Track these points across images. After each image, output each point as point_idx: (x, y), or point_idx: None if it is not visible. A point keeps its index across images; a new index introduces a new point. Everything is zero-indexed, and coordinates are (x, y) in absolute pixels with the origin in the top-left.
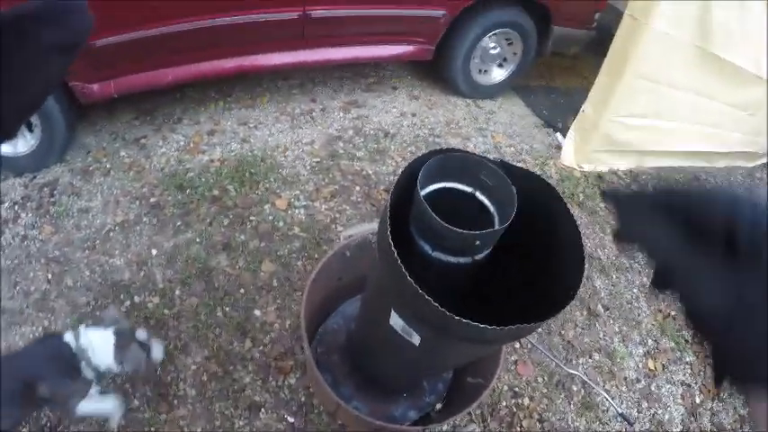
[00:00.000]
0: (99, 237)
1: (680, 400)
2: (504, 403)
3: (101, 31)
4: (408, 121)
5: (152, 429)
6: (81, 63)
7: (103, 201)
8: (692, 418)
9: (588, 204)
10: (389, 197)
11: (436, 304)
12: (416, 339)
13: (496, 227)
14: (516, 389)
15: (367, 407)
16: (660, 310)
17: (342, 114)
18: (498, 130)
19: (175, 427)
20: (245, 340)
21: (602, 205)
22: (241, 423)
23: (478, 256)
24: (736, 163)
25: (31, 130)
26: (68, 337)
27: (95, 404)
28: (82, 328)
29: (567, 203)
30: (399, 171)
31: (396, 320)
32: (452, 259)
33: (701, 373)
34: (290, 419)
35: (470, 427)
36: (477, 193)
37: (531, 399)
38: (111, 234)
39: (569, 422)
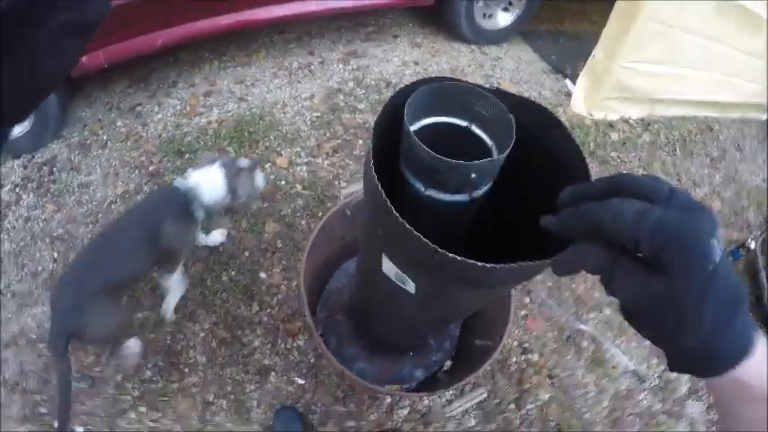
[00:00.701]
0: (101, 210)
1: None
2: (514, 359)
3: None
4: (411, 69)
5: (165, 398)
6: None
7: (103, 173)
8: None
9: (599, 153)
10: (373, 130)
11: (426, 240)
12: (411, 286)
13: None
14: (526, 344)
15: (373, 367)
16: None
17: (341, 66)
18: (505, 76)
19: (188, 394)
20: (251, 304)
21: (613, 154)
22: (252, 387)
23: (476, 193)
24: (750, 114)
25: None
26: (178, 182)
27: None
28: (189, 170)
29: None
30: None
31: (388, 267)
32: (448, 197)
33: None
34: (300, 381)
35: (478, 391)
36: (473, 127)
37: (541, 354)
38: (113, 206)
39: (579, 378)
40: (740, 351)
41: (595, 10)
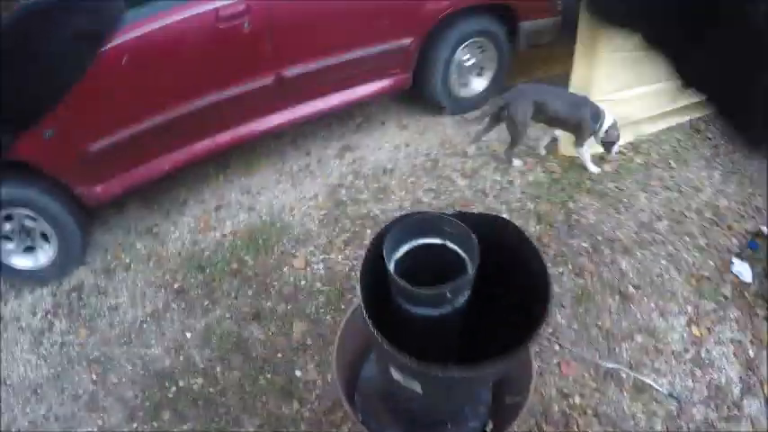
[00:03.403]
0: (133, 330)
1: (734, 359)
2: (556, 407)
3: (92, 136)
4: (403, 152)
5: None
6: (80, 169)
7: (130, 295)
8: (750, 373)
9: (597, 189)
10: (359, 276)
11: (404, 354)
12: (418, 387)
13: (469, 273)
14: (565, 390)
15: None
16: (692, 275)
17: (338, 161)
18: (492, 137)
19: None
20: (292, 402)
21: (610, 185)
22: None
23: (457, 304)
24: None
25: (48, 241)
26: None
27: None
28: None
29: (529, 235)
30: (405, 205)
31: (396, 374)
32: (434, 312)
33: (749, 325)
34: None
35: None
36: (447, 243)
37: (582, 396)
38: (144, 325)
39: (625, 410)
40: None
41: (563, 52)
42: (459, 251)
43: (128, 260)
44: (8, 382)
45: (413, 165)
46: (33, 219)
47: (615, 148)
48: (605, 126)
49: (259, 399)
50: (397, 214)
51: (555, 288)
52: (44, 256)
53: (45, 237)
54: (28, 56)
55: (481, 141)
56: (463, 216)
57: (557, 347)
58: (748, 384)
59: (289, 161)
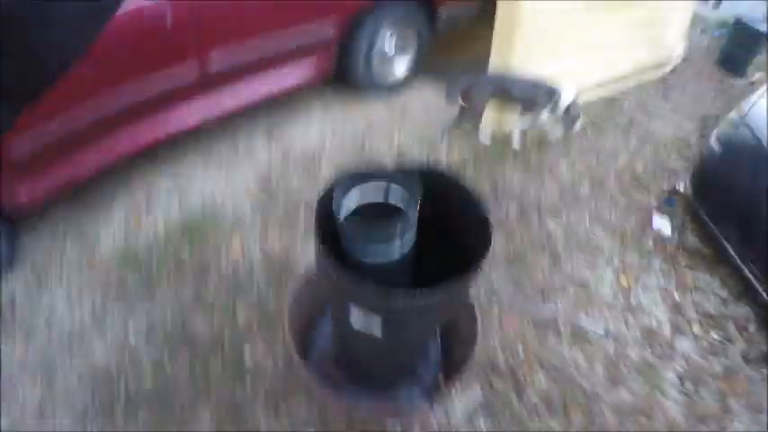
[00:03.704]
0: (74, 335)
1: (661, 304)
2: (502, 360)
3: (10, 139)
4: (330, 137)
5: None
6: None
7: (66, 299)
8: (678, 315)
9: (520, 160)
10: (315, 225)
11: (372, 284)
12: (377, 328)
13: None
14: (508, 344)
15: (374, 402)
16: (616, 231)
17: (266, 149)
18: (417, 118)
19: None
20: (245, 385)
21: (533, 156)
22: None
23: (404, 249)
24: (645, 78)
25: None
26: None
27: None
28: None
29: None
30: None
31: (355, 317)
32: (383, 259)
33: (672, 273)
34: None
35: (473, 390)
36: (391, 184)
37: (525, 348)
38: (85, 329)
39: (566, 356)
40: None
41: (482, 31)
42: (402, 205)
43: (60, 265)
44: None
45: (341, 147)
46: None
47: (577, 126)
48: (564, 104)
49: (212, 386)
50: None
51: (489, 252)
52: None
53: None
54: (30, 28)
55: (406, 121)
56: (404, 167)
57: (495, 307)
58: (677, 325)
59: (217, 152)
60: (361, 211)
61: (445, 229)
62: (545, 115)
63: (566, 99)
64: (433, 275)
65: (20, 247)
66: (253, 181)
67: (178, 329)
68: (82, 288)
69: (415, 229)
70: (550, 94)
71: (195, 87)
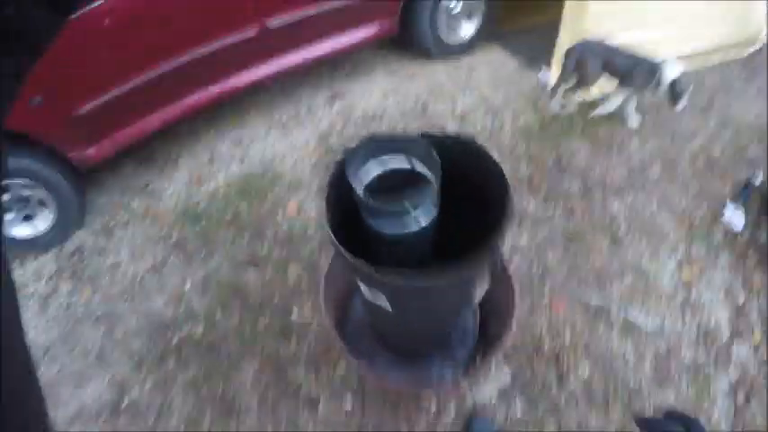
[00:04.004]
0: (135, 285)
1: (723, 304)
2: (547, 344)
3: (79, 100)
4: (392, 98)
5: None
6: (70, 134)
7: (129, 252)
8: (740, 319)
9: (588, 131)
10: (326, 197)
11: (361, 260)
12: (385, 302)
13: (432, 185)
14: (555, 327)
15: (404, 374)
16: (684, 219)
17: (327, 109)
18: (482, 82)
19: None
20: (289, 343)
21: (603, 130)
22: (304, 419)
23: (424, 222)
24: (729, 56)
25: (46, 208)
26: None
27: None
28: None
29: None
30: None
31: (365, 290)
32: (402, 230)
33: (739, 271)
34: (348, 408)
35: (503, 371)
36: (416, 167)
37: (573, 334)
38: (145, 280)
39: (615, 348)
40: None
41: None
42: (428, 174)
43: (125, 218)
44: None
45: (402, 110)
46: (29, 187)
47: (681, 103)
48: (668, 79)
49: (258, 341)
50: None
51: (545, 229)
52: (43, 222)
53: (42, 203)
54: None
55: (470, 86)
56: (429, 136)
57: (547, 286)
58: (737, 329)
59: (278, 111)
60: (384, 181)
61: (469, 200)
62: (648, 94)
63: (670, 74)
64: (458, 248)
65: (89, 202)
66: (313, 141)
67: (232, 284)
68: (144, 241)
69: (433, 200)
70: (652, 71)
71: (256, 44)
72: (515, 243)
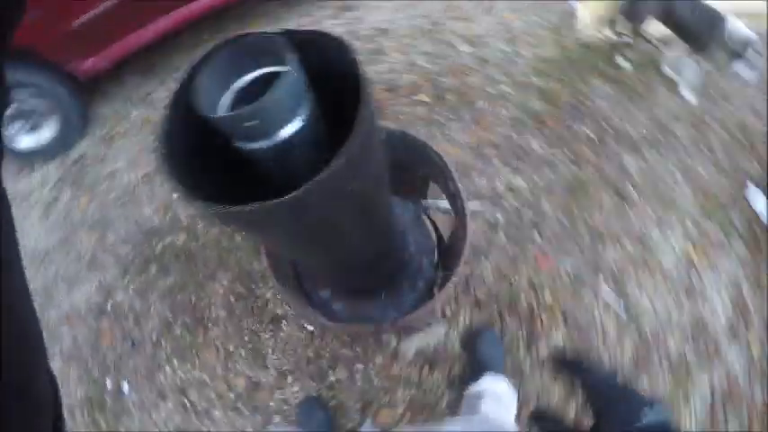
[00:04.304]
0: (128, 193)
1: (725, 295)
2: (524, 299)
3: (75, 12)
4: (403, 12)
5: (193, 351)
6: (67, 45)
7: (126, 160)
8: (740, 316)
9: (611, 74)
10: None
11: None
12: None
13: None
14: (536, 283)
15: (347, 308)
16: (702, 190)
17: (334, 21)
18: (505, 5)
19: (212, 346)
20: (263, 262)
21: (631, 74)
22: (267, 336)
23: (292, 130)
24: None
25: (50, 118)
26: None
27: None
28: None
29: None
30: (397, 68)
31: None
32: (267, 143)
33: (752, 262)
34: (310, 328)
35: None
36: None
37: (553, 294)
38: (138, 188)
39: (597, 321)
40: None
41: None
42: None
43: (125, 127)
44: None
45: (411, 26)
46: (34, 97)
47: (741, 66)
48: (736, 40)
49: (234, 254)
50: (386, 77)
51: (547, 174)
52: (48, 132)
53: (46, 114)
54: None
55: (491, 8)
56: (291, 34)
57: (536, 237)
58: (733, 328)
59: (284, 23)
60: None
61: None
62: (716, 55)
63: (740, 34)
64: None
65: (92, 111)
66: None
67: None
68: (141, 150)
69: (295, 109)
70: (712, 26)
71: None
72: (510, 182)
